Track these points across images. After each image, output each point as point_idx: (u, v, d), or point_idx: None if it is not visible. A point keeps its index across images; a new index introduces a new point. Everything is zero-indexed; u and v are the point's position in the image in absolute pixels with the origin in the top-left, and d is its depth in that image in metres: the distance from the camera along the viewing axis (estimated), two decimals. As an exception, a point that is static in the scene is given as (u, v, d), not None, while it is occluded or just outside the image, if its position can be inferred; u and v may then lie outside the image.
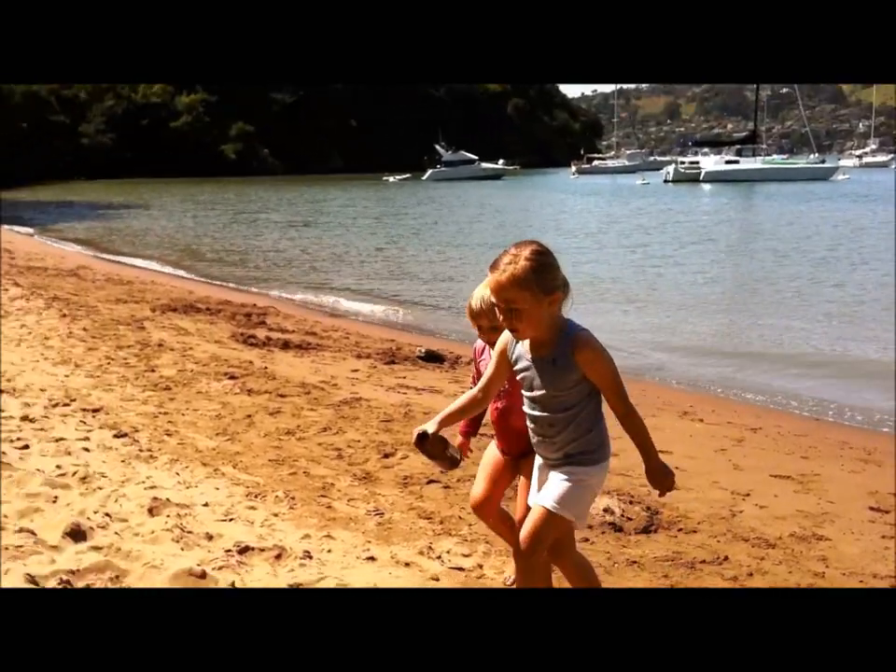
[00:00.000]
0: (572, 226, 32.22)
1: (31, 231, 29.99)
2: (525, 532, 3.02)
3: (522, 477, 3.38)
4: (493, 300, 2.91)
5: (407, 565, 3.96)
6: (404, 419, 6.82)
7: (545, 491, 3.02)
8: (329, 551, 4.10)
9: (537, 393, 2.97)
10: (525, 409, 3.05)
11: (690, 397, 9.01)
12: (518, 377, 3.05)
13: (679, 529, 4.65)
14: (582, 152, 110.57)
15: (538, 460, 3.15)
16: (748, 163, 71.52)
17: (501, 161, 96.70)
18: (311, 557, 3.93)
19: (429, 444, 3.07)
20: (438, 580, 3.84)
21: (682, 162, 77.59)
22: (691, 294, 16.06)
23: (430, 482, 5.22)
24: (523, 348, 3.01)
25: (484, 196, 53.76)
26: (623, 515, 4.75)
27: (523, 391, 3.05)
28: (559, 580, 3.39)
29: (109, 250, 25.76)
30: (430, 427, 3.07)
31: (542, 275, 2.81)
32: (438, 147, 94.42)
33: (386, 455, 5.75)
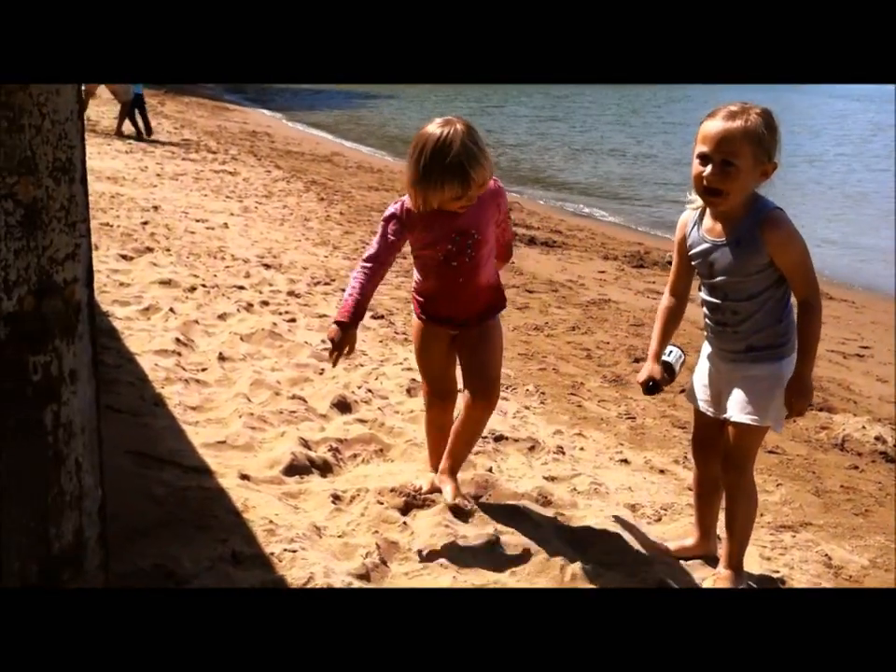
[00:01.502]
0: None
1: (284, 116, 31.32)
2: (726, 452, 2.77)
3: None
4: (704, 149, 2.57)
5: (662, 472, 3.86)
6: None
7: (737, 403, 2.73)
8: (581, 448, 4.06)
9: (718, 279, 2.70)
10: (703, 295, 2.80)
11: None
12: (694, 262, 2.79)
13: (962, 467, 4.25)
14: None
15: (708, 355, 2.88)
16: None
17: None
18: (563, 453, 3.91)
19: (661, 382, 2.87)
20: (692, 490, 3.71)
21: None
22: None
23: (682, 390, 5.03)
24: (699, 232, 2.74)
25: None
26: (896, 446, 4.40)
27: (701, 276, 2.80)
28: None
29: (357, 138, 26.52)
30: (654, 370, 2.84)
31: (771, 136, 2.57)
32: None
33: (637, 360, 5.61)
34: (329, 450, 3.52)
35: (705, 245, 2.73)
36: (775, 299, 2.68)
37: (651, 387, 2.87)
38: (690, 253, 2.79)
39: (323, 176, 14.49)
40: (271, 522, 2.81)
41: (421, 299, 3.14)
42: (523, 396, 4.74)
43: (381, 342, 5.39)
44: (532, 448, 3.90)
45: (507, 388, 4.81)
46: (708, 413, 2.88)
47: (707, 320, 2.84)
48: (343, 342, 2.86)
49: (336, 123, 30.98)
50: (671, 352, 2.93)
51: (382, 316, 5.97)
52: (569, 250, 9.92)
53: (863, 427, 4.57)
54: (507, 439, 3.95)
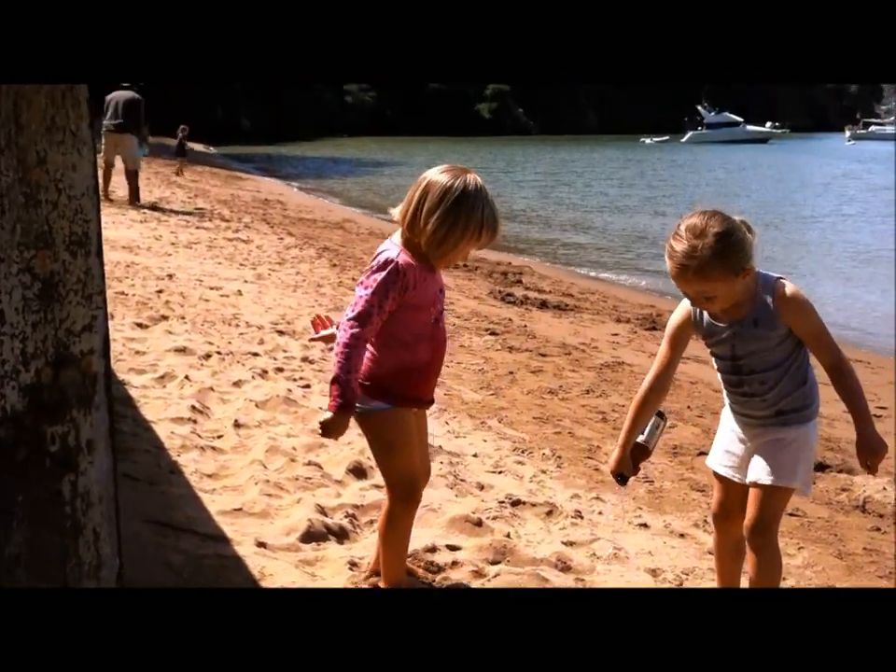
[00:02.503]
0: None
1: (295, 184, 31.74)
2: (754, 515, 2.71)
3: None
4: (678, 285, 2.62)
5: (682, 536, 3.82)
6: (671, 387, 6.60)
7: (765, 466, 2.70)
8: (599, 513, 4.02)
9: (744, 359, 2.70)
10: (724, 373, 2.78)
11: None
12: (713, 348, 2.77)
13: None
14: (858, 116, 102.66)
15: (731, 421, 2.85)
16: None
17: (769, 124, 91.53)
18: (581, 517, 3.88)
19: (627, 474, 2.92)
20: (713, 553, 3.67)
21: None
22: None
23: (701, 453, 5.00)
24: (707, 317, 2.72)
25: (746, 160, 51.19)
26: (922, 507, 4.34)
27: (719, 357, 2.77)
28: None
29: (368, 205, 26.85)
30: (620, 465, 2.88)
31: (730, 259, 2.52)
32: (700, 107, 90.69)
33: (652, 422, 5.58)
34: (345, 516, 3.50)
35: (721, 329, 2.72)
36: (797, 363, 2.70)
37: (620, 479, 2.91)
38: (707, 340, 2.79)
39: (335, 243, 14.63)
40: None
41: (396, 378, 2.68)
42: (539, 460, 4.71)
43: (395, 406, 5.38)
44: (550, 513, 3.87)
45: (523, 452, 4.79)
46: (734, 479, 2.86)
47: (730, 392, 2.83)
48: (343, 428, 2.61)
49: (346, 190, 31.40)
50: (645, 428, 2.92)
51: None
52: (581, 313, 9.94)
53: (884, 489, 4.51)
54: (524, 503, 3.92)
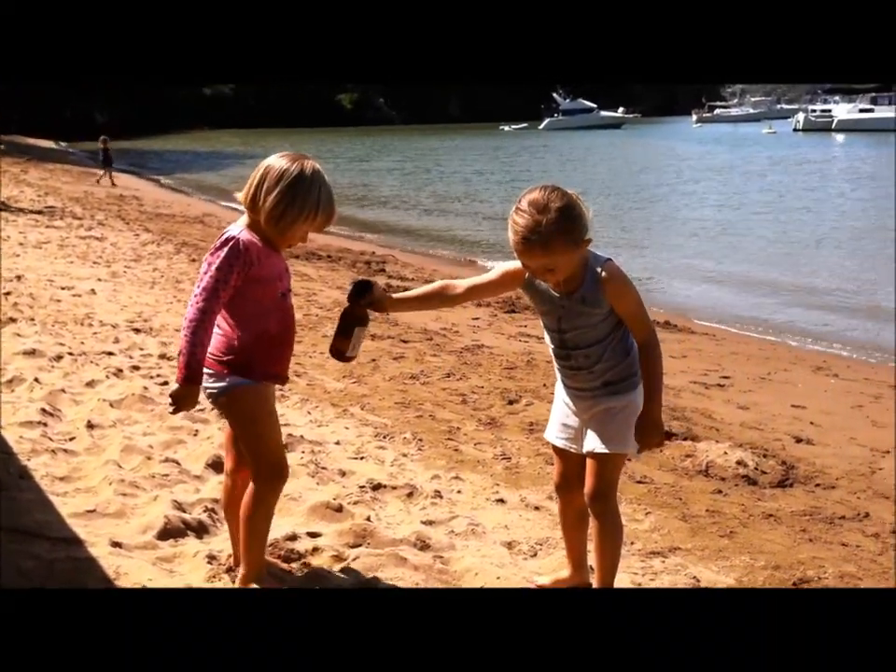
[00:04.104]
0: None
1: (157, 178, 30.89)
2: (593, 483, 2.85)
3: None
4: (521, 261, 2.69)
5: (537, 508, 3.96)
6: (527, 367, 6.80)
7: (598, 436, 2.84)
8: (458, 491, 4.13)
9: (569, 333, 2.81)
10: (552, 346, 2.89)
11: (821, 353, 8.70)
12: (543, 314, 2.87)
13: (817, 484, 4.51)
14: (704, 100, 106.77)
15: (563, 397, 2.97)
16: (883, 111, 67.78)
17: (621, 110, 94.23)
18: (441, 497, 3.97)
19: (358, 308, 2.86)
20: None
21: (813, 111, 74.13)
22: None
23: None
24: (546, 284, 2.79)
25: (598, 144, 52.67)
26: (757, 469, 4.63)
27: (548, 328, 2.88)
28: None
29: (230, 198, 26.34)
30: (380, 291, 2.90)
31: (571, 232, 2.61)
32: (555, 95, 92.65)
33: (511, 402, 5.74)
34: (204, 511, 3.49)
35: (554, 300, 2.81)
36: (618, 338, 2.82)
37: (361, 287, 2.87)
38: (541, 308, 2.86)
39: (195, 238, 14.34)
40: (143, 588, 2.77)
41: (253, 352, 2.75)
42: (400, 444, 4.79)
43: (256, 399, 5.36)
44: (410, 494, 3.95)
45: (384, 437, 4.86)
46: (571, 450, 2.98)
47: (560, 366, 2.92)
48: (192, 400, 2.68)
49: (207, 184, 30.73)
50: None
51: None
52: (444, 299, 10.07)
53: (725, 453, 4.79)
54: (385, 487, 3.99)
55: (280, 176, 2.67)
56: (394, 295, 3.01)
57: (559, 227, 2.57)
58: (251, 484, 2.84)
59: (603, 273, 2.73)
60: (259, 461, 2.81)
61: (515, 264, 2.82)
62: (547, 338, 2.92)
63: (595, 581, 2.98)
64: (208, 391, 2.76)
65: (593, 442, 2.86)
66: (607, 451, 2.83)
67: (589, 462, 2.88)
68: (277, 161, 2.72)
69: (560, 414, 3.01)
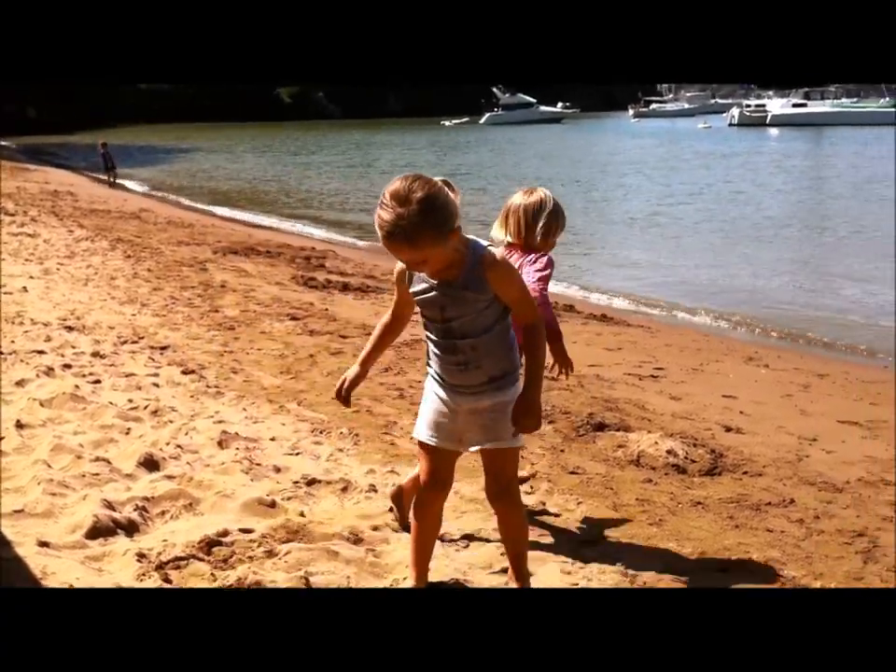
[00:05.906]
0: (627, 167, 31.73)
1: (92, 174, 30.32)
2: (495, 481, 2.86)
3: None
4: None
5: (471, 500, 4.00)
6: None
7: (490, 431, 2.81)
8: (393, 485, 4.14)
9: (455, 321, 2.70)
10: (436, 338, 2.77)
11: (753, 344, 8.90)
12: (420, 306, 2.77)
13: (745, 472, 4.61)
14: (640, 95, 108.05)
15: (440, 393, 2.86)
16: (816, 107, 69.36)
17: (560, 105, 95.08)
18: (376, 491, 3.99)
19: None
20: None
21: (748, 106, 75.50)
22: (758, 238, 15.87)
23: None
24: (418, 274, 2.72)
25: (536, 139, 53.05)
26: (686, 458, 4.72)
27: (430, 320, 2.77)
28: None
29: (168, 192, 26.02)
30: (352, 372, 3.02)
31: (437, 223, 2.49)
32: (495, 90, 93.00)
33: (448, 395, 5.77)
34: (134, 509, 3.46)
35: (431, 289, 2.72)
36: (504, 328, 2.78)
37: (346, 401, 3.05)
38: (416, 297, 2.78)
39: (130, 234, 14.13)
40: (70, 587, 2.74)
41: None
42: (336, 439, 4.79)
43: (192, 396, 5.32)
44: (344, 489, 3.96)
45: (321, 433, 4.86)
46: (448, 448, 2.90)
47: (443, 364, 2.81)
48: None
49: (142, 178, 30.29)
50: None
51: (192, 371, 5.90)
52: (383, 294, 10.08)
53: (656, 443, 4.87)
54: (319, 482, 3.99)
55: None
56: (360, 360, 3.04)
57: (422, 218, 2.45)
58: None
59: (484, 260, 2.66)
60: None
61: (398, 266, 2.77)
62: (429, 333, 2.81)
63: (517, 574, 3.01)
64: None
65: (486, 438, 2.83)
66: (504, 446, 2.82)
67: (485, 460, 2.88)
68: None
69: (434, 413, 2.89)
